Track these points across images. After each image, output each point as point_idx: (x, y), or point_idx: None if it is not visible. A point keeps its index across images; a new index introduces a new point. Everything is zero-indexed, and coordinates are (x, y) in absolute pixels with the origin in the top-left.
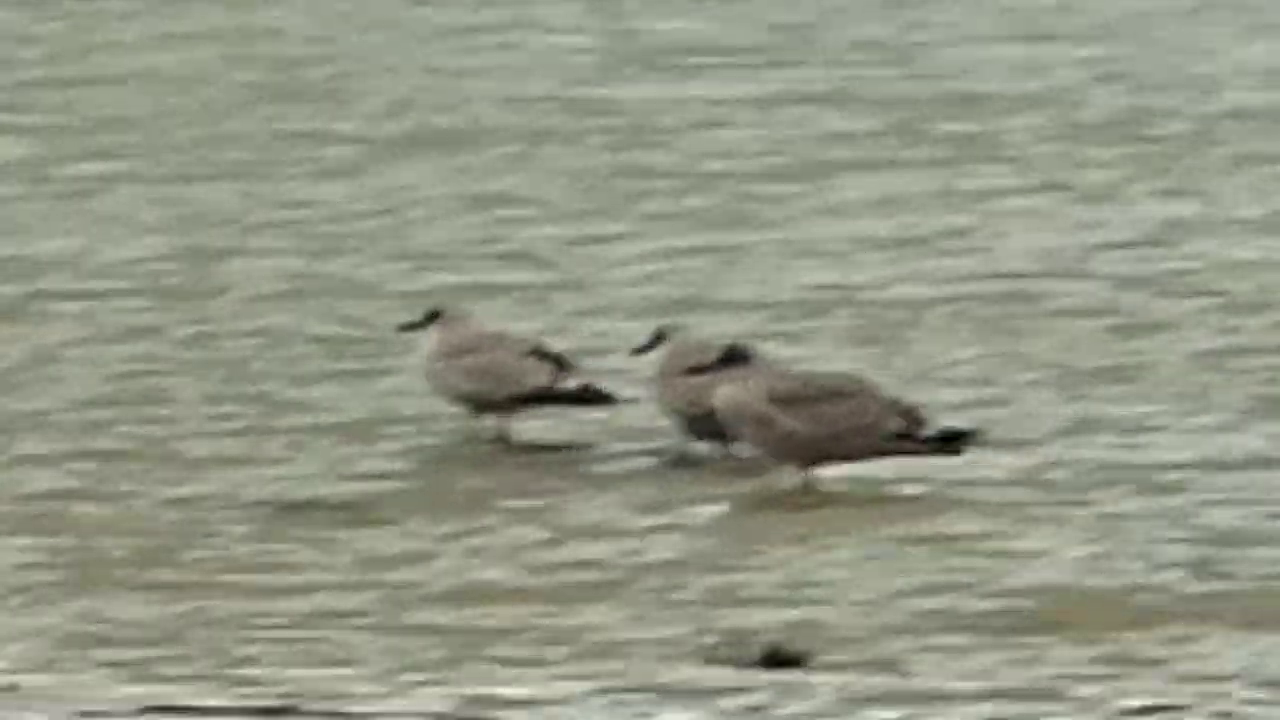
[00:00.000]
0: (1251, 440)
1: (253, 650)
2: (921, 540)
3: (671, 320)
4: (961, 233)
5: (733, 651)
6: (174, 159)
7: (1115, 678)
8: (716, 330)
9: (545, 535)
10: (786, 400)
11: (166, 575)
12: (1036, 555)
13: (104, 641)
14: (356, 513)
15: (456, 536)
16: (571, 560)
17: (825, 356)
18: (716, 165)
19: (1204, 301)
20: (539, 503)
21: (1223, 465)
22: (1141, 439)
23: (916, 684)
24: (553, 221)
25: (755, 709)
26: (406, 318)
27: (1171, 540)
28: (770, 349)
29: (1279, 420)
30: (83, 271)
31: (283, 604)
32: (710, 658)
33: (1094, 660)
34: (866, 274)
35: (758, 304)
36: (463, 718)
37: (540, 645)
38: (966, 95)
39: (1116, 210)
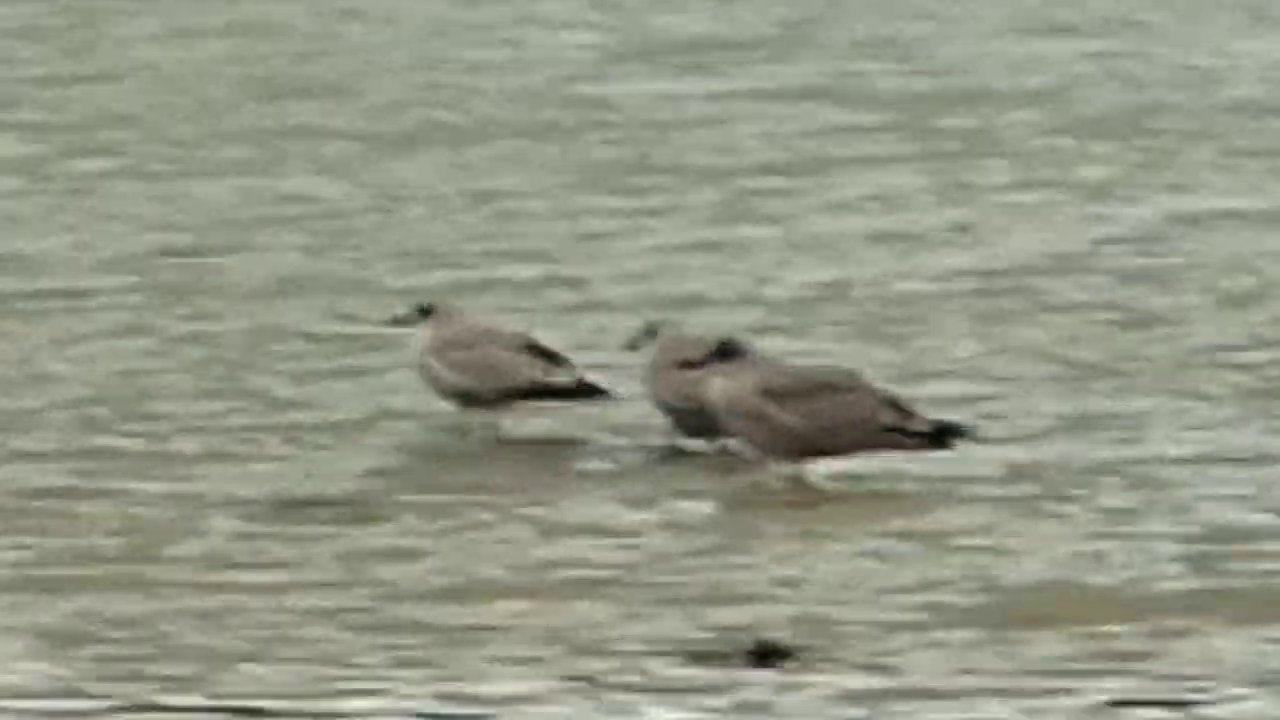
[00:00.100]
0: (1250, 435)
1: (243, 648)
2: (916, 536)
3: (663, 315)
4: (962, 228)
5: (724, 648)
6: (173, 155)
7: (1110, 673)
8: (719, 325)
9: (536, 532)
10: (779, 395)
11: (159, 572)
12: (1032, 550)
13: (96, 639)
14: (349, 510)
15: (448, 533)
16: (563, 557)
17: (825, 352)
18: (718, 161)
19: (1204, 296)
20: (530, 499)
21: (1221, 460)
22: (1140, 434)
23: (909, 680)
24: (553, 217)
25: (746, 706)
26: (401, 313)
27: (1169, 536)
28: (770, 344)
29: (1278, 415)
30: (79, 268)
31: (274, 601)
32: (701, 654)
33: (1088, 656)
34: (866, 269)
35: (758, 299)
36: (453, 715)
37: (532, 642)
38: (968, 90)
39: (1117, 205)
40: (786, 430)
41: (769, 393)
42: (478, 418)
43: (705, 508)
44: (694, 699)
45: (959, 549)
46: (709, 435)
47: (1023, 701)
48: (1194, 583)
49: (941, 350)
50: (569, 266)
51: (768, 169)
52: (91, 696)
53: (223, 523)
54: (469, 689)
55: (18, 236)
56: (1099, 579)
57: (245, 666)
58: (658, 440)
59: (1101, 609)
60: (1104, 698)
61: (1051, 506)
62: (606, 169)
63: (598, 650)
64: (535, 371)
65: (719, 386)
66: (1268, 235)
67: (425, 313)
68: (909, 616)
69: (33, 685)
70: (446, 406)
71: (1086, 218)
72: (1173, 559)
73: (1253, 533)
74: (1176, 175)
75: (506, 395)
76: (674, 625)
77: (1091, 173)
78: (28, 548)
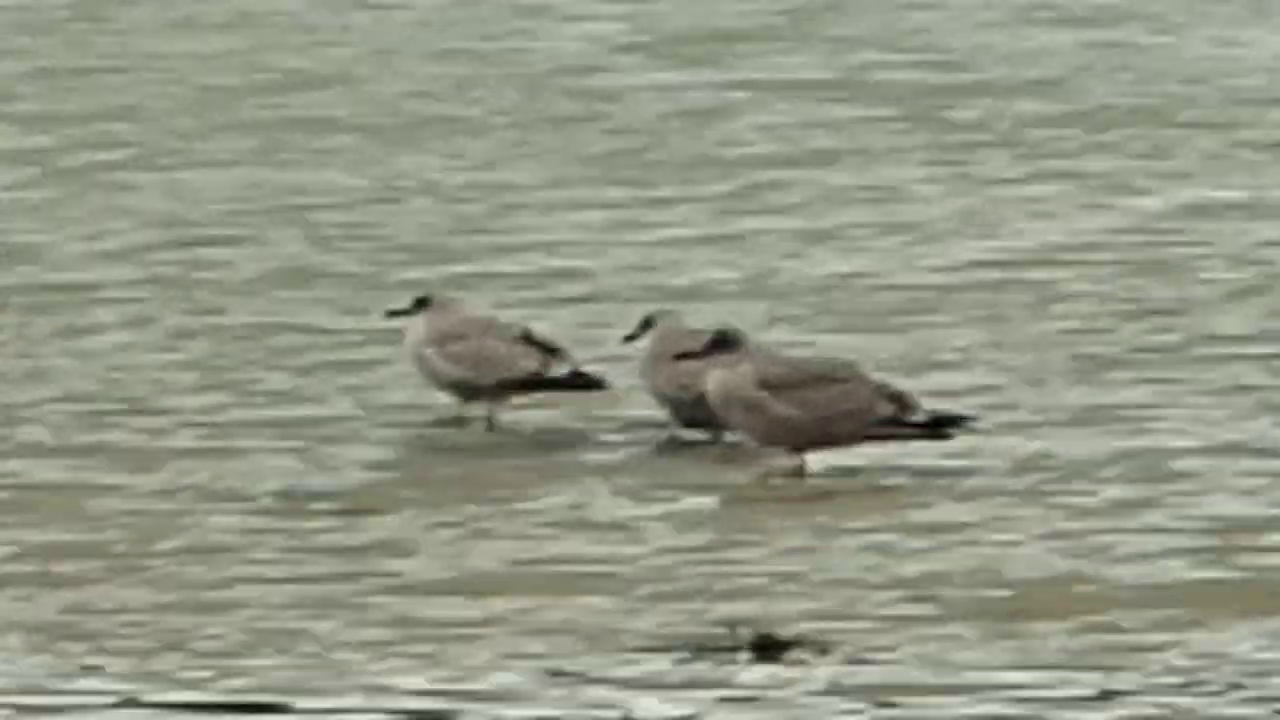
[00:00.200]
0: (1259, 427)
1: (242, 642)
2: (921, 529)
3: (663, 307)
4: (969, 219)
5: (725, 641)
6: (176, 147)
7: (1116, 666)
8: (725, 318)
9: (534, 525)
10: (777, 386)
11: (159, 566)
12: (1039, 543)
13: (97, 633)
14: (348, 504)
15: (446, 527)
16: (562, 551)
17: (831, 344)
18: (724, 152)
19: (1211, 288)
20: (527, 491)
21: (1230, 452)
22: (1148, 425)
23: (912, 674)
24: (557, 209)
25: (746, 700)
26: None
27: (1176, 528)
28: (776, 336)
29: None
30: (81, 261)
31: (273, 595)
32: (702, 648)
33: (1095, 649)
34: (873, 261)
35: (764, 291)
36: (451, 710)
37: (531, 637)
38: (975, 82)
39: (1124, 196)
40: (784, 421)
41: (766, 384)
42: (475, 409)
43: (706, 501)
44: (695, 693)
45: (965, 541)
46: (707, 426)
47: (1028, 694)
48: (1202, 575)
49: (948, 342)
50: (573, 258)
51: (774, 161)
52: (90, 692)
53: (223, 517)
54: (468, 684)
55: (19, 229)
56: (1106, 571)
57: (244, 661)
58: (656, 432)
59: (1108, 601)
60: (1111, 690)
61: (1059, 498)
62: (611, 160)
63: (597, 645)
64: (532, 363)
65: (716, 378)
66: (1276, 226)
67: (422, 304)
68: (913, 610)
69: (31, 679)
70: (444, 398)
71: (1094, 209)
72: (1180, 551)
73: (1262, 524)
74: (1184, 166)
75: (504, 387)
76: (674, 619)
77: (1099, 164)
78: (29, 541)
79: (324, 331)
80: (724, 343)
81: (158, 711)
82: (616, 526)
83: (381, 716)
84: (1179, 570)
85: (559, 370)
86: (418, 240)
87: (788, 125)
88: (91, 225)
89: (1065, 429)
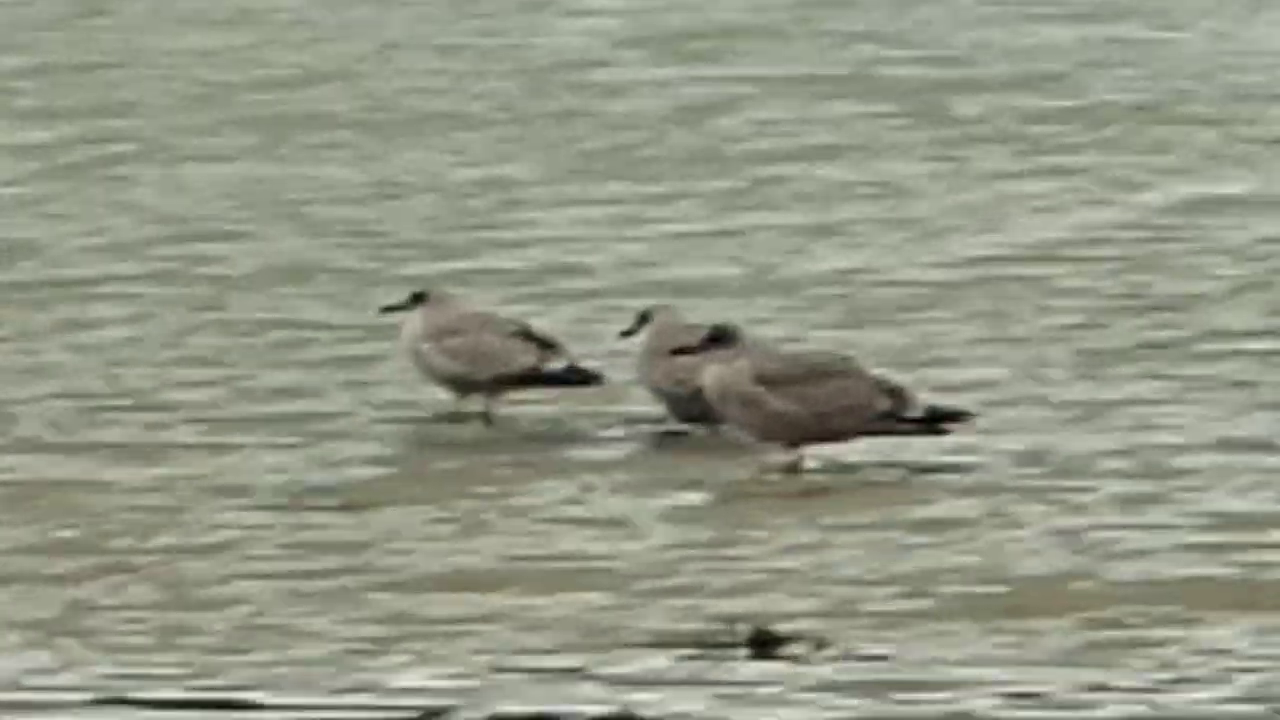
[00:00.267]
0: (1262, 423)
1: (237, 636)
2: (920, 524)
3: (660, 301)
4: (971, 214)
5: (722, 638)
6: (177, 142)
7: (1116, 664)
8: (727, 313)
9: (531, 521)
10: (773, 380)
11: (152, 561)
12: (1040, 539)
13: (94, 630)
14: (344, 498)
15: (442, 522)
16: (557, 546)
17: (830, 339)
18: (725, 148)
19: (1214, 283)
20: (525, 487)
21: (1232, 448)
22: (1150, 421)
23: (912, 670)
24: (557, 205)
25: (744, 696)
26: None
27: (1178, 525)
28: (777, 331)
29: None
30: (81, 256)
31: (268, 589)
32: (699, 644)
33: (1095, 645)
34: (875, 256)
35: (765, 287)
36: (445, 706)
37: (528, 633)
38: (977, 78)
39: (1127, 192)
40: (781, 416)
41: (763, 379)
42: (472, 404)
43: (703, 497)
44: (693, 689)
45: (964, 538)
46: (704, 421)
47: (1027, 689)
48: (1202, 571)
49: (949, 337)
50: (573, 254)
51: (774, 156)
52: (87, 689)
53: (221, 513)
54: (466, 680)
55: (20, 224)
56: (1105, 568)
57: (242, 657)
58: (653, 427)
59: (1107, 598)
60: (1110, 686)
61: (1059, 494)
62: (612, 156)
63: (595, 641)
64: (529, 358)
65: (713, 373)
66: (1277, 222)
67: (418, 299)
68: (911, 606)
69: (27, 675)
70: (441, 393)
71: (1095, 204)
72: (1181, 547)
73: (1263, 521)
74: (1185, 162)
75: (500, 382)
76: (672, 615)
77: (1100, 159)
78: (27, 537)
79: (323, 327)
80: (721, 338)
81: (157, 708)
82: (614, 522)
83: (380, 713)
84: (1179, 566)
85: (556, 365)
86: (418, 236)
87: (789, 121)
88: (92, 221)
89: (1066, 425)
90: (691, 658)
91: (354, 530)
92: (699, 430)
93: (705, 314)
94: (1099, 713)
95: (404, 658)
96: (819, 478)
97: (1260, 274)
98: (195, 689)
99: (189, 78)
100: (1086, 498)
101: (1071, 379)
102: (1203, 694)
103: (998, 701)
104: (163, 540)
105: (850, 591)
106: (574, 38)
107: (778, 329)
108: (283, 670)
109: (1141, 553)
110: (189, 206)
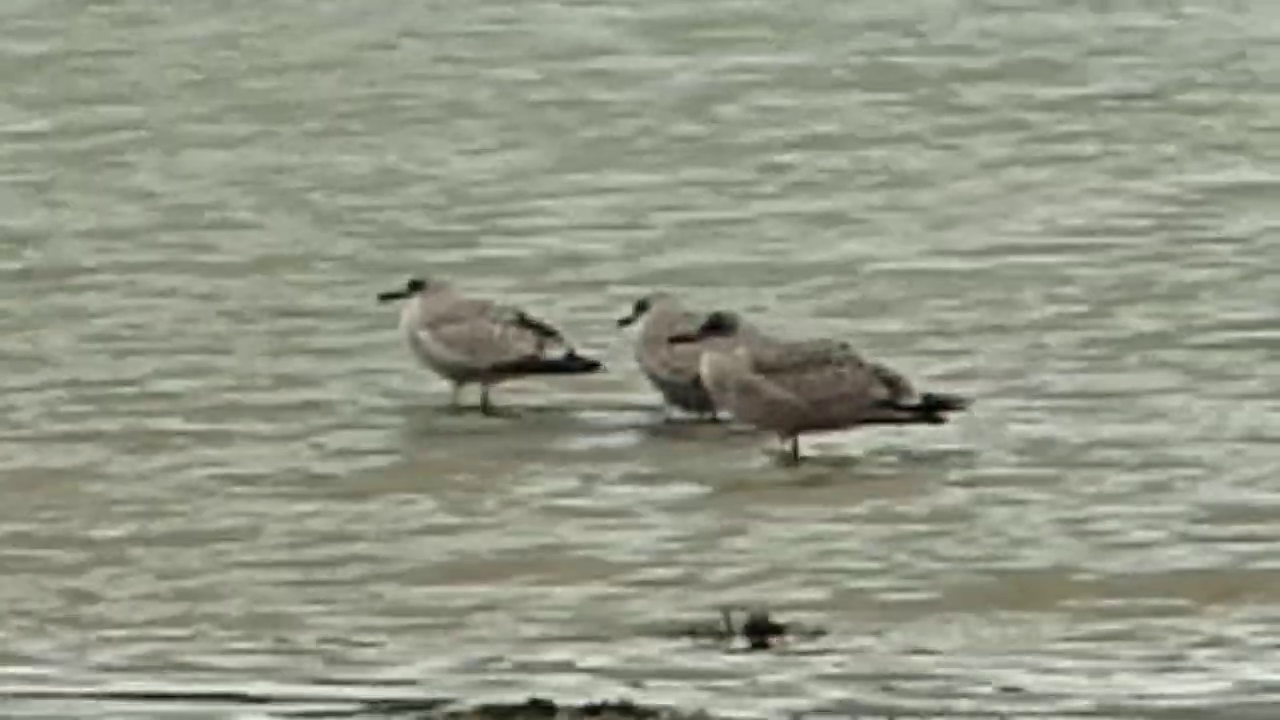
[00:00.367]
0: (1267, 414)
1: (235, 626)
2: (918, 514)
3: (658, 289)
4: (976, 203)
5: (718, 625)
6: (179, 129)
7: (1117, 654)
8: (725, 301)
9: (529, 510)
10: (771, 368)
11: (152, 550)
12: (1041, 528)
13: (89, 618)
14: (342, 488)
15: (438, 512)
16: (555, 535)
17: (834, 328)
18: (731, 138)
19: (1222, 271)
20: (523, 477)
21: (1238, 438)
22: (1155, 411)
23: (905, 659)
24: (561, 194)
25: (741, 686)
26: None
27: (1182, 514)
28: (781, 319)
29: None
30: (79, 244)
31: (266, 578)
32: (697, 632)
33: (1095, 636)
34: (879, 245)
35: (767, 275)
36: (443, 696)
37: (524, 621)
38: (984, 67)
39: (1136, 180)
40: (778, 404)
41: (761, 367)
42: (470, 392)
43: (698, 484)
44: (690, 678)
45: (964, 527)
46: (701, 408)
47: (1027, 681)
48: (1205, 562)
49: (955, 325)
50: (576, 242)
51: (779, 145)
52: (86, 679)
53: (220, 502)
54: (464, 669)
55: (22, 212)
56: (1108, 558)
57: (240, 646)
58: (652, 416)
59: (1110, 589)
60: (1111, 678)
61: (1062, 484)
62: (616, 145)
63: (593, 630)
64: (527, 346)
65: (711, 361)
66: None
67: (416, 287)
68: (909, 595)
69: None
70: (439, 381)
71: (1102, 193)
72: (1185, 538)
73: (1267, 512)
74: (1193, 150)
75: (499, 369)
76: (670, 605)
77: (1107, 148)
78: (27, 525)
79: (325, 316)
80: (718, 326)
81: (158, 699)
82: (612, 512)
83: (377, 702)
84: (1182, 558)
85: (554, 353)
86: (420, 224)
87: (794, 110)
88: (94, 208)
89: (1069, 414)
90: (688, 647)
91: (353, 520)
92: (697, 417)
93: (713, 302)
94: (1098, 703)
95: (402, 647)
96: (818, 468)
97: (1267, 263)
98: (194, 679)
99: (193, 65)
100: (1089, 488)
101: (1076, 368)
102: (1203, 684)
103: (997, 692)
104: (162, 529)
105: (849, 582)
106: (581, 26)
107: (782, 317)
108: (282, 659)
109: (1144, 544)
110: (192, 194)
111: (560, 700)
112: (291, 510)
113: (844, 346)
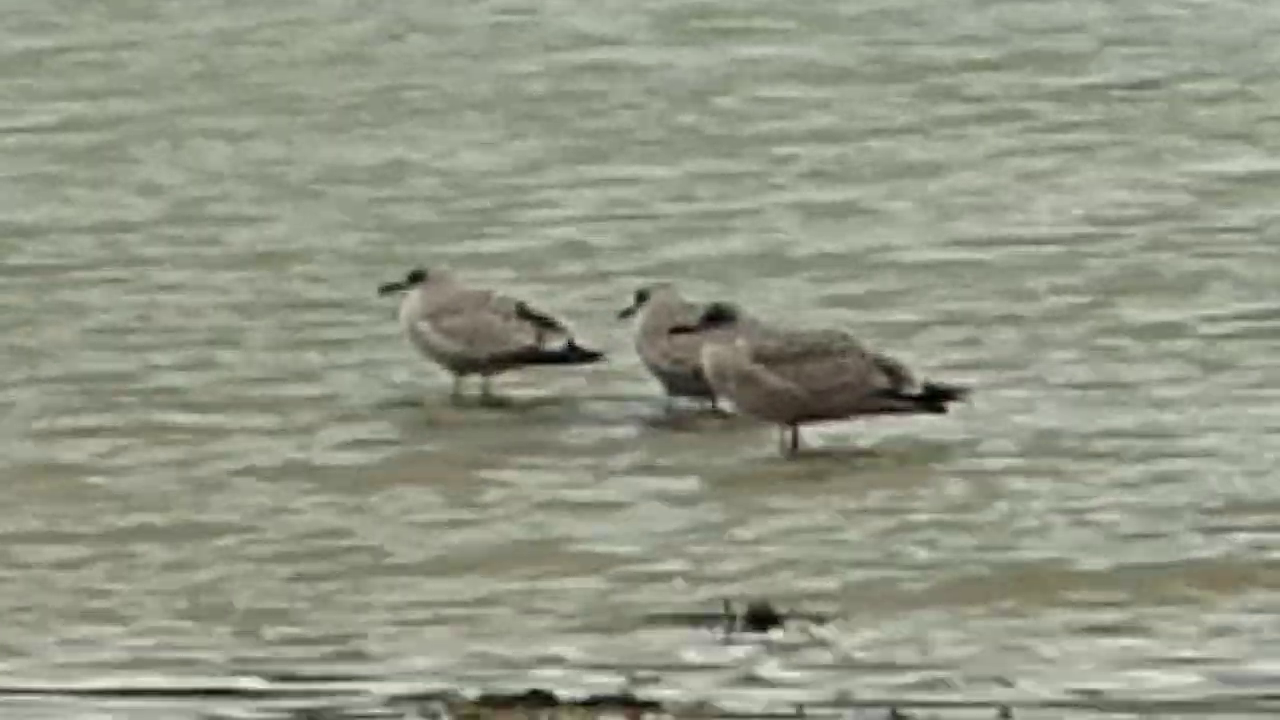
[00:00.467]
0: (1272, 405)
1: (233, 621)
2: (921, 505)
3: (660, 280)
4: (985, 195)
5: (719, 616)
6: (187, 122)
7: (1120, 646)
8: (728, 293)
9: (530, 503)
10: (771, 359)
11: (151, 545)
12: (1045, 520)
13: (89, 613)
14: (342, 481)
15: (439, 504)
16: (556, 528)
17: (841, 319)
18: (736, 130)
19: (1232, 262)
20: (523, 469)
21: (1242, 430)
22: (1160, 402)
23: (906, 649)
24: (566, 186)
25: (741, 676)
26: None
27: (1190, 506)
28: (788, 311)
29: None
30: (82, 237)
31: (264, 573)
32: (696, 623)
33: (1098, 627)
34: (884, 236)
35: (775, 265)
36: (444, 689)
37: (525, 614)
38: (991, 58)
39: (1144, 170)
40: (779, 394)
41: (761, 357)
42: (470, 383)
43: (698, 475)
44: (691, 668)
45: (967, 518)
46: (701, 398)
47: (1029, 673)
48: (1210, 553)
49: (961, 316)
50: (584, 234)
51: (786, 137)
52: (91, 675)
53: (219, 496)
54: (465, 662)
55: (28, 206)
56: (1112, 549)
57: (239, 641)
58: (653, 407)
59: (1114, 580)
60: (1112, 671)
61: (1068, 475)
62: (619, 136)
63: (593, 622)
64: (527, 337)
65: (711, 352)
66: None
67: (416, 279)
68: (910, 586)
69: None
70: (440, 373)
71: (1112, 183)
72: (1192, 529)
73: (1272, 503)
74: (1202, 141)
75: (499, 361)
76: (670, 597)
77: (1117, 138)
78: (27, 520)
79: (329, 308)
80: (719, 317)
81: (157, 698)
82: (613, 504)
83: (378, 696)
84: (1188, 548)
85: (555, 344)
86: (426, 216)
87: (800, 101)
88: (100, 202)
89: (1076, 404)
90: (689, 639)
91: (354, 512)
92: (697, 407)
93: (719, 294)
94: (1103, 695)
95: (404, 639)
96: (820, 458)
97: (1276, 253)
98: (195, 673)
99: (199, 58)
100: (1094, 479)
101: (1082, 359)
102: (1210, 677)
103: (1000, 683)
104: (165, 523)
105: (852, 573)
106: (586, 18)
107: (788, 308)
108: (283, 652)
109: (1149, 535)
110: (198, 187)
111: (561, 692)
112: (293, 503)
113: (845, 337)
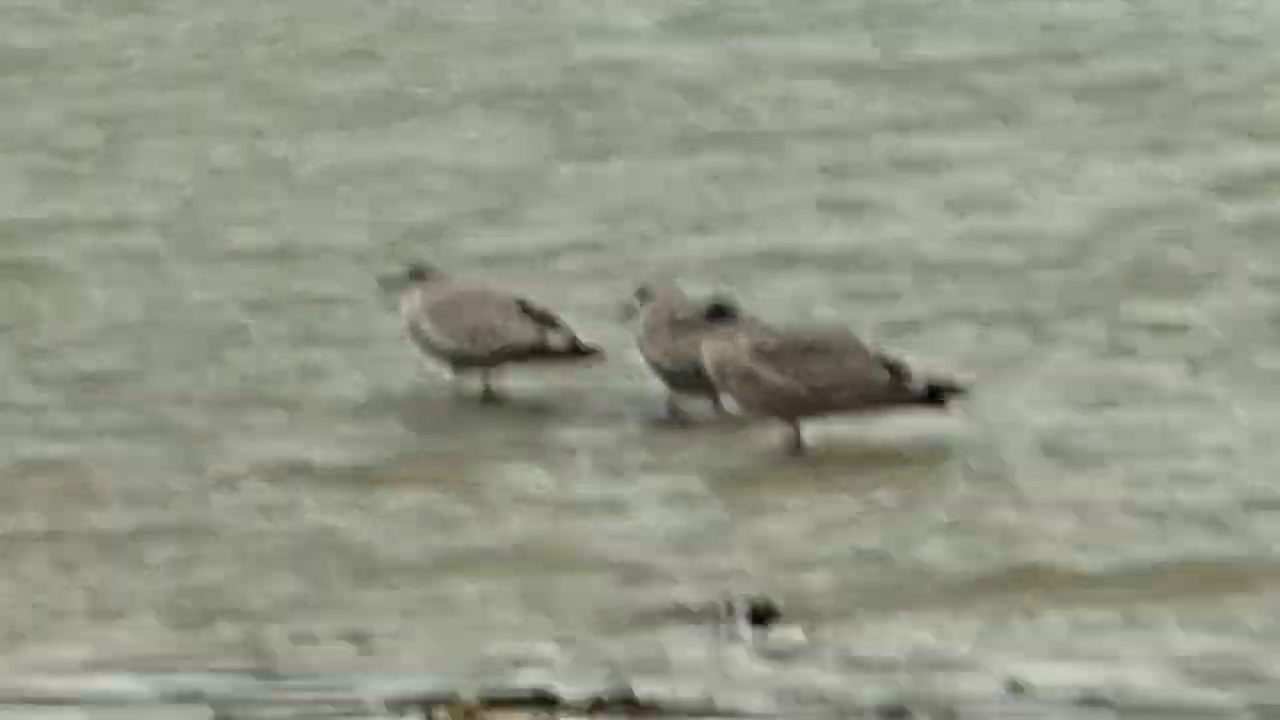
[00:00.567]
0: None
1: (234, 619)
2: (921, 502)
3: (663, 275)
4: (994, 191)
5: (720, 614)
6: (194, 118)
7: (1123, 645)
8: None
9: (530, 501)
10: (772, 355)
11: (152, 544)
12: (1050, 518)
13: (89, 611)
14: (343, 479)
15: (438, 502)
16: (556, 526)
17: (848, 315)
18: (744, 126)
19: (1241, 258)
20: (524, 467)
21: (1251, 428)
22: (1169, 399)
23: (906, 647)
24: (572, 183)
25: (740, 674)
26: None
27: (1198, 502)
28: (796, 307)
29: None
30: (83, 232)
31: (266, 571)
32: (697, 621)
33: (1101, 626)
34: (891, 231)
35: (784, 262)
36: (446, 686)
37: (526, 612)
38: (1001, 55)
39: (1155, 166)
40: (779, 391)
41: (762, 354)
42: (471, 380)
43: (699, 472)
44: (690, 668)
45: (971, 516)
46: (703, 396)
47: (1032, 670)
48: (1216, 551)
49: (972, 313)
50: (589, 231)
51: (793, 133)
52: (89, 674)
53: (220, 494)
54: (468, 661)
55: (31, 203)
56: (1115, 548)
57: (239, 635)
58: (652, 402)
59: (1121, 578)
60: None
61: (1078, 473)
62: (625, 133)
63: (595, 620)
64: (528, 333)
65: (712, 348)
66: None
67: (416, 275)
68: (911, 584)
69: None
70: (439, 369)
71: (1123, 180)
72: (1202, 527)
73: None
74: (1214, 137)
75: (499, 357)
76: (671, 596)
77: (1128, 135)
78: (28, 519)
79: (334, 304)
80: (718, 313)
81: (154, 697)
82: (614, 502)
83: (379, 696)
84: (1198, 547)
85: (555, 340)
86: (429, 214)
87: (809, 96)
88: (106, 198)
89: (1084, 402)
90: (690, 637)
91: (354, 510)
92: (698, 405)
93: (726, 291)
94: (1109, 696)
95: (405, 638)
96: (822, 456)
97: None
98: (195, 670)
99: (206, 53)
100: (1099, 477)
101: (1091, 356)
102: (1220, 677)
103: (1005, 683)
104: (167, 520)
105: (854, 571)
106: (593, 13)
107: (796, 304)
108: (284, 652)
109: (1157, 533)
110: (202, 182)
111: (563, 692)
112: (294, 501)
113: (846, 333)
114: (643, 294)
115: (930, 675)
